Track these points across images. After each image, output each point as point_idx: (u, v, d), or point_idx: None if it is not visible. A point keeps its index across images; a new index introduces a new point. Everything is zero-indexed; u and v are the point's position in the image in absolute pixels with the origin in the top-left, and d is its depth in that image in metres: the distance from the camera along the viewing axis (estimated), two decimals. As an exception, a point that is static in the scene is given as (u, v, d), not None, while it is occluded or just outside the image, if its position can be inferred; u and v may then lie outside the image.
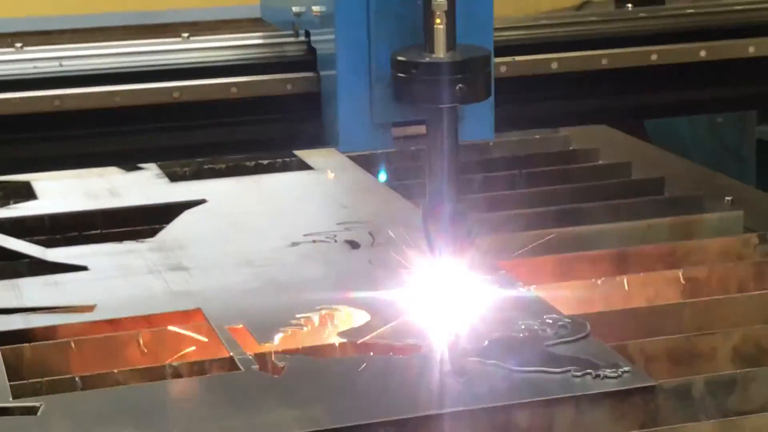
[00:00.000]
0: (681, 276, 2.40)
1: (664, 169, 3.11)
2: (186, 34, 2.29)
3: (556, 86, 2.50)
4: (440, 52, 2.02)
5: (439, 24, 2.01)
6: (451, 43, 2.02)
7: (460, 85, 2.01)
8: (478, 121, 2.17)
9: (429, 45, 2.02)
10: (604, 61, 2.49)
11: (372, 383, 1.95)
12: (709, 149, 4.37)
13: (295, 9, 2.26)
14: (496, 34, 2.24)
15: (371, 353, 2.05)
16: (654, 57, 2.49)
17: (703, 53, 2.49)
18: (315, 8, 2.17)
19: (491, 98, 2.15)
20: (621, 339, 2.11)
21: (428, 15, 2.01)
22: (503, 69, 2.41)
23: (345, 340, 2.09)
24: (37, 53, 2.21)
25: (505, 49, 2.41)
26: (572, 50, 2.47)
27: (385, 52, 2.07)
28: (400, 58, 2.04)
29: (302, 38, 2.30)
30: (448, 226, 2.10)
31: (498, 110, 2.41)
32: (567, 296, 2.32)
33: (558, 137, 3.42)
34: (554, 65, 2.46)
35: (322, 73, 2.23)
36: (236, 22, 3.65)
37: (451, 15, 2.01)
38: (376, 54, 2.09)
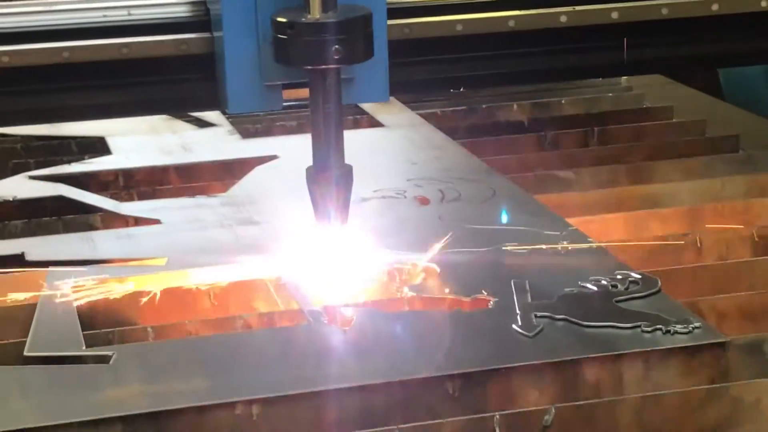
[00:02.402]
0: (755, 233, 2.37)
1: (740, 127, 3.07)
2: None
3: (616, 36, 2.49)
4: (316, 13, 1.99)
5: None
6: (330, 4, 2.00)
7: (337, 45, 1.99)
8: (371, 83, 2.15)
9: (307, 5, 2.00)
10: (664, 11, 2.47)
11: (440, 337, 1.95)
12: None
13: None
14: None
15: (439, 307, 2.05)
16: (715, 7, 2.47)
17: (764, 3, 2.47)
18: None
19: (385, 60, 2.13)
20: (692, 296, 2.10)
21: None
22: (563, 18, 2.40)
23: (413, 294, 2.10)
24: (105, 2, 2.24)
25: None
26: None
27: (272, 13, 2.05)
28: (277, 18, 2.03)
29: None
30: (334, 190, 2.09)
31: (556, 59, 2.39)
32: (638, 253, 2.31)
33: (631, 95, 3.38)
34: (614, 15, 2.44)
35: (215, 34, 2.22)
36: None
37: None
38: (263, 15, 2.07)
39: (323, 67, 2.03)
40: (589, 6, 2.42)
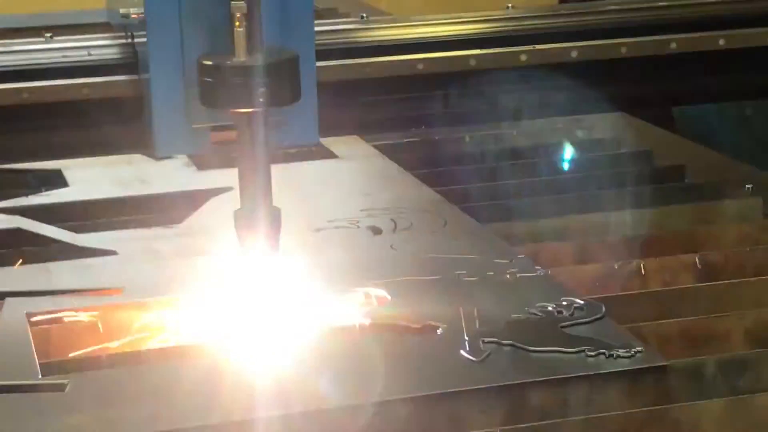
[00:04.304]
0: (697, 261, 2.43)
1: (686, 157, 3.13)
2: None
3: (576, 74, 2.56)
4: (241, 56, 1.99)
5: (239, 27, 1.98)
6: (255, 47, 1.99)
7: (263, 88, 1.98)
8: (301, 125, 2.15)
9: (232, 49, 2.00)
10: (623, 50, 2.53)
11: (389, 362, 2.00)
12: (737, 141, 4.38)
13: (122, 11, 2.27)
14: (516, 23, 2.26)
15: (390, 334, 2.09)
16: (673, 45, 2.53)
17: (722, 42, 2.53)
18: (133, 10, 2.17)
19: (314, 102, 2.12)
20: (636, 321, 2.15)
21: (230, 18, 1.99)
22: (523, 57, 2.45)
23: (365, 321, 2.14)
24: (66, 43, 2.28)
25: (525, 38, 2.45)
26: (591, 39, 2.53)
27: (198, 55, 2.05)
28: (203, 61, 2.02)
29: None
30: (261, 232, 2.09)
31: (519, 99, 2.45)
32: (584, 280, 2.36)
33: (579, 126, 3.44)
34: (574, 54, 2.51)
35: (142, 76, 2.21)
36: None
37: (253, 18, 1.99)
38: (190, 58, 2.06)
39: (250, 110, 2.03)
40: (550, 45, 2.49)
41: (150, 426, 1.81)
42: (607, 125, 3.40)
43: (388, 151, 3.20)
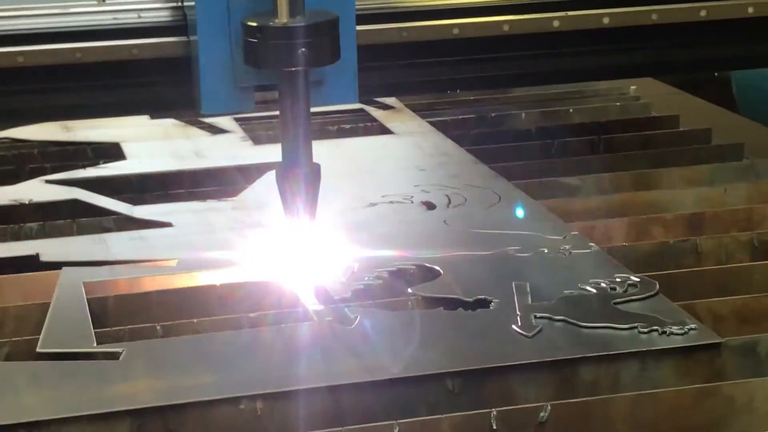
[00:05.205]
0: (754, 239, 2.41)
1: (745, 136, 3.10)
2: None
3: (607, 40, 2.57)
4: (284, 17, 2.07)
5: None
6: (297, 9, 2.08)
7: (303, 49, 2.07)
8: (341, 86, 2.24)
9: (275, 10, 2.09)
10: (654, 17, 2.53)
11: (440, 336, 2.00)
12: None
13: None
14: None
15: (441, 307, 2.10)
16: (703, 13, 2.54)
17: (751, 10, 2.54)
18: None
19: (354, 63, 2.21)
20: (690, 299, 2.13)
21: None
22: (556, 23, 2.46)
23: (416, 295, 2.14)
24: (117, 5, 2.32)
25: (558, 4, 2.47)
26: (622, 6, 2.54)
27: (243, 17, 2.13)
28: (247, 23, 2.11)
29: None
30: (302, 187, 2.17)
31: (554, 62, 2.46)
32: (639, 257, 2.35)
33: (639, 104, 3.42)
34: (606, 20, 2.50)
35: (191, 38, 2.29)
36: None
37: None
38: (235, 20, 2.15)
39: (290, 69, 2.11)
40: (581, 11, 2.49)
41: (202, 394, 1.82)
42: (667, 103, 3.37)
43: (443, 127, 3.20)
